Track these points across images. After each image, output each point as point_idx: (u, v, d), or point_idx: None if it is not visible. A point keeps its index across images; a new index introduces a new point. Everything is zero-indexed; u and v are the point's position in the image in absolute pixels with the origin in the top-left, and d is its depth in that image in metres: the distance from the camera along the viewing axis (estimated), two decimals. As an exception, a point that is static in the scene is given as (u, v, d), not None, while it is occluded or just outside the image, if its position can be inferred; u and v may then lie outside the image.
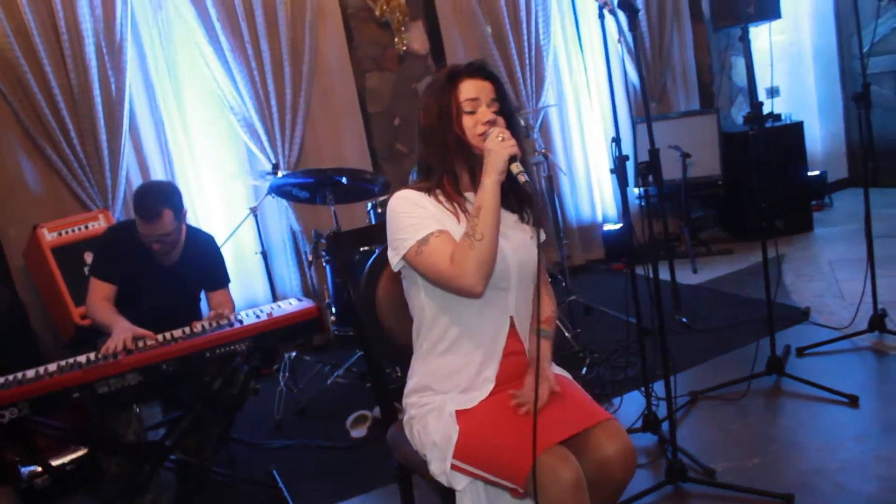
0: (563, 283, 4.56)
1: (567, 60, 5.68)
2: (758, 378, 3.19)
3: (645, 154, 2.54)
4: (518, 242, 1.93)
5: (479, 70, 1.94)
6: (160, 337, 2.75)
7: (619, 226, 5.81)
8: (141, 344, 2.70)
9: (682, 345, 3.81)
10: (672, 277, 3.98)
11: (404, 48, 5.16)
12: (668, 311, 4.15)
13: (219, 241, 4.21)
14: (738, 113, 6.50)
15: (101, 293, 3.00)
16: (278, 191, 3.99)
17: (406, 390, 2.00)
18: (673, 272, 3.93)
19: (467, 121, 1.90)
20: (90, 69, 4.14)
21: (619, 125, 2.70)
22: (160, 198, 2.93)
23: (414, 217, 1.86)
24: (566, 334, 3.93)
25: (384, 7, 5.02)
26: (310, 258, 4.54)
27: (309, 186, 3.92)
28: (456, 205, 1.92)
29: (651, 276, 2.59)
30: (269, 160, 4.63)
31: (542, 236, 2.06)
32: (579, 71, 5.76)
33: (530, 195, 1.78)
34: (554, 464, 1.64)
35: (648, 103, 2.44)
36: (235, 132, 4.68)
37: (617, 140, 2.55)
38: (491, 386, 1.88)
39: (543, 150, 4.57)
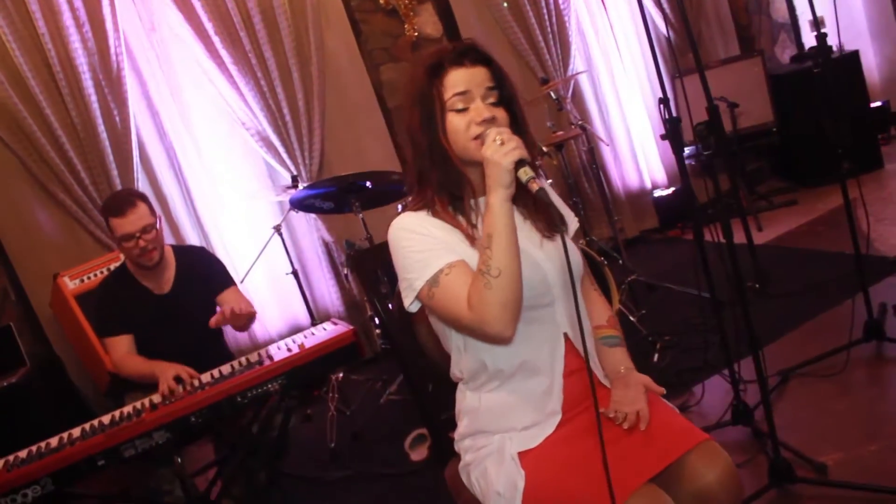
0: (621, 262, 4.21)
1: (591, 22, 5.30)
2: (855, 345, 2.81)
3: (692, 112, 2.21)
4: (551, 248, 1.62)
5: (467, 55, 1.57)
6: (189, 386, 2.52)
7: (671, 190, 5.42)
8: (197, 383, 2.50)
9: (759, 314, 3.41)
10: (748, 237, 3.55)
11: (416, 34, 4.84)
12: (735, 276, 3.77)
13: (246, 266, 4.02)
14: (783, 52, 6.03)
15: (121, 349, 2.81)
16: (300, 205, 3.73)
17: (457, 434, 1.70)
18: (748, 231, 3.51)
19: (457, 122, 1.55)
20: (91, 104, 3.93)
21: (649, 83, 2.35)
22: (129, 191, 2.91)
23: (418, 251, 1.54)
24: (631, 318, 3.59)
25: (389, -6, 4.72)
26: (345, 270, 4.29)
27: (332, 196, 3.65)
28: (462, 221, 1.61)
29: (722, 240, 2.26)
30: (291, 172, 4.38)
31: (572, 228, 1.76)
32: (605, 31, 5.36)
33: (547, 205, 1.42)
34: (644, 510, 1.33)
35: (698, 53, 2.09)
36: (251, 148, 4.44)
37: (665, 101, 2.20)
38: (557, 419, 1.57)
39: (580, 122, 4.21)
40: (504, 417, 1.59)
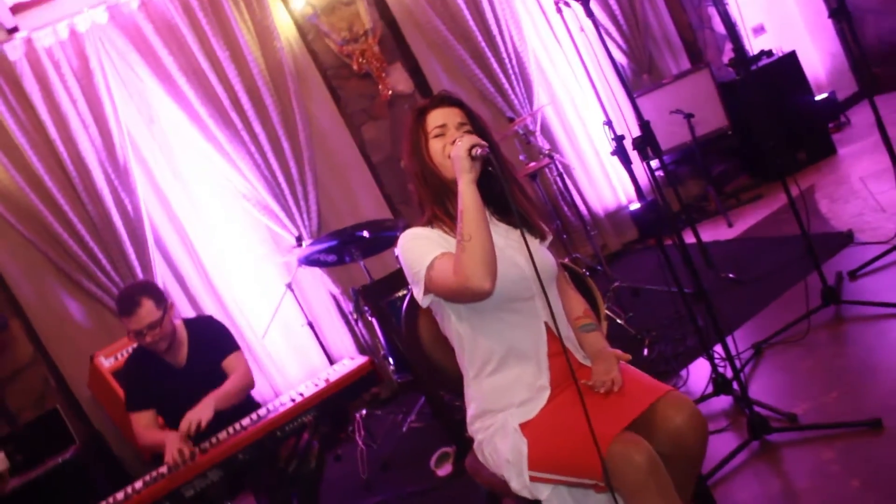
0: (602, 270, 4.56)
1: (548, 57, 5.71)
2: (816, 312, 3.15)
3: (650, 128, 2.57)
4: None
5: (443, 100, 2.05)
6: (231, 429, 2.82)
7: (639, 204, 5.79)
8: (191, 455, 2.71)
9: (735, 300, 3.79)
10: (696, 237, 4.00)
11: (390, 92, 5.25)
12: (711, 271, 4.12)
13: (263, 325, 4.34)
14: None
15: (142, 423, 3.08)
16: (307, 261, 4.09)
17: (468, 419, 2.03)
18: (696, 231, 3.96)
19: (435, 145, 2.00)
20: (104, 197, 4.32)
21: (613, 106, 2.72)
22: (135, 289, 3.08)
23: (419, 248, 1.92)
24: (619, 321, 3.92)
25: (360, 60, 5.14)
26: (354, 316, 4.61)
27: (334, 249, 4.00)
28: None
29: (678, 242, 2.61)
30: (292, 234, 4.74)
31: (548, 240, 2.10)
32: (562, 64, 5.77)
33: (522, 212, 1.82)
34: (625, 450, 1.66)
35: (625, 79, 2.46)
36: (254, 216, 4.81)
37: (608, 123, 2.58)
38: (547, 393, 1.91)
39: (548, 151, 4.60)
40: (503, 396, 1.93)
